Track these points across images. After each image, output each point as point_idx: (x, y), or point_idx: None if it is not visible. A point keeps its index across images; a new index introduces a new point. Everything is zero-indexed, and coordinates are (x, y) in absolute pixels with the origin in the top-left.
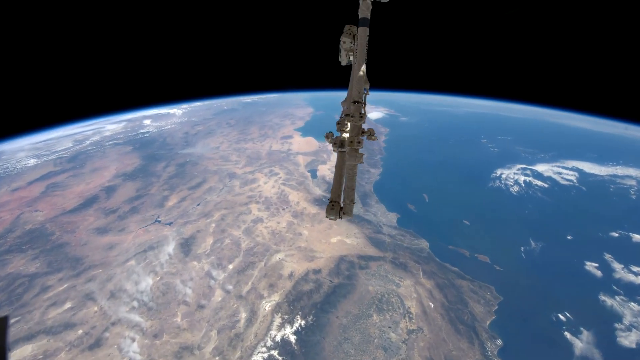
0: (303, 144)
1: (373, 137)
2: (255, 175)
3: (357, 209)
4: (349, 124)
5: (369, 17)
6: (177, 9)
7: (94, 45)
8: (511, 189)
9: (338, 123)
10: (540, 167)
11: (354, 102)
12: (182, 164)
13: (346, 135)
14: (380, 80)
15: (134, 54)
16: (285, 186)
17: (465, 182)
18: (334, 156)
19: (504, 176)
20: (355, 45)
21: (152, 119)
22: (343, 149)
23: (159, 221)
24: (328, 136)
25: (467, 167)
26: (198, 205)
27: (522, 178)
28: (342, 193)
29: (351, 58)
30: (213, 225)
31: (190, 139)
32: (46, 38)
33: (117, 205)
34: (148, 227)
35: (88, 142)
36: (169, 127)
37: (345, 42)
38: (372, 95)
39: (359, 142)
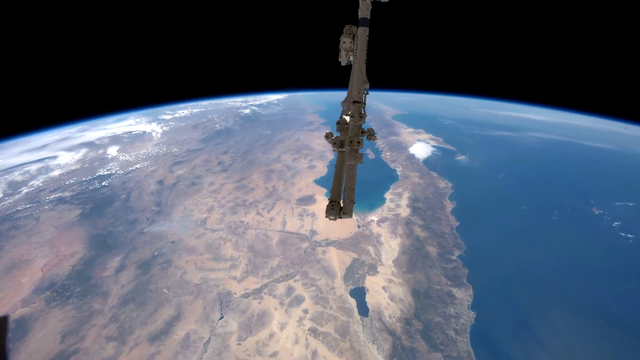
0: None
1: (373, 137)
2: (263, 302)
3: None
4: (349, 123)
5: (369, 17)
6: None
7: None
8: None
9: (338, 123)
10: None
11: (354, 102)
12: (146, 262)
13: (347, 134)
14: (381, 80)
15: (115, 48)
16: (317, 339)
17: (630, 338)
18: (386, 252)
19: None
20: (355, 45)
21: (120, 146)
22: (343, 149)
23: None
24: (328, 136)
25: (608, 283)
26: None
27: None
28: (342, 193)
29: (351, 58)
30: None
31: (164, 196)
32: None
33: None
34: None
35: (24, 191)
36: (139, 165)
37: (345, 42)
38: (405, 111)
39: (359, 142)
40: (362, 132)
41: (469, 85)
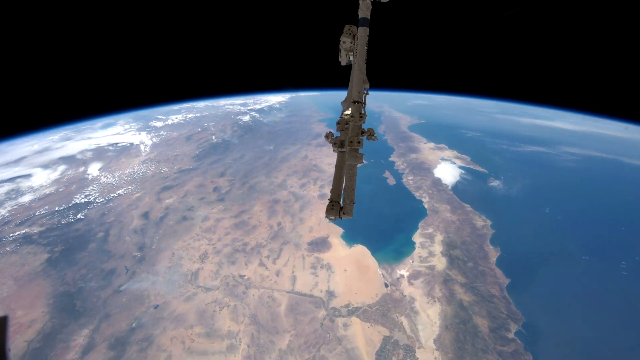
0: (352, 272)
1: (373, 137)
2: None
3: None
4: (349, 123)
5: (369, 17)
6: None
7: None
8: None
9: (338, 123)
10: None
11: (354, 102)
12: (121, 339)
13: (347, 134)
14: (383, 80)
15: (108, 45)
16: None
17: None
18: (424, 326)
19: None
20: (355, 45)
21: (103, 163)
22: (343, 149)
23: None
24: (328, 136)
25: None
26: None
27: None
28: (342, 193)
29: (351, 58)
30: None
31: (149, 236)
32: None
33: None
34: None
35: None
36: (122, 190)
37: (345, 42)
38: (422, 119)
39: (359, 142)
40: (362, 132)
41: (477, 86)
